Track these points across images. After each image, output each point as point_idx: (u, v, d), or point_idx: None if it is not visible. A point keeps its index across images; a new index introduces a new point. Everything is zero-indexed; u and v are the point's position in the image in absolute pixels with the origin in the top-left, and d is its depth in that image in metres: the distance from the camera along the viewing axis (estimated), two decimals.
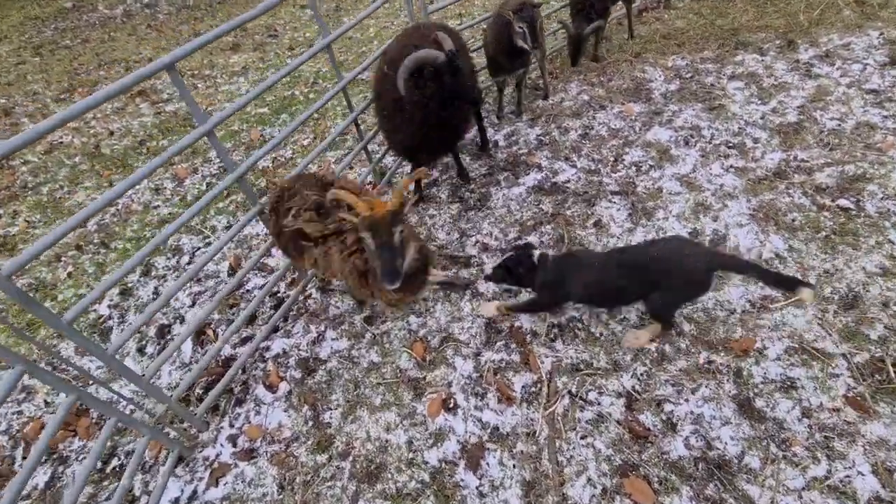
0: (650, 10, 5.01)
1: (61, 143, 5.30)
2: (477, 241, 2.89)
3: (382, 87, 2.62)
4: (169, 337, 2.77)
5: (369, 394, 2.23)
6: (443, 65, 2.36)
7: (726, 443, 1.81)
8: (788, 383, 1.93)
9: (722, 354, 2.07)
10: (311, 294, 2.81)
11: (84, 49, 9.27)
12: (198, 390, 2.43)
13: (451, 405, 2.11)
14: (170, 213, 3.83)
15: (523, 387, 2.12)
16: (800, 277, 2.09)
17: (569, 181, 3.16)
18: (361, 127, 3.14)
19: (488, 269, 2.26)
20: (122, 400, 1.96)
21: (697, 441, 1.84)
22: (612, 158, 3.26)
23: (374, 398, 2.21)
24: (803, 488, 1.66)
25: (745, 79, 3.70)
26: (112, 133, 5.37)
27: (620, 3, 4.41)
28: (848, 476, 1.67)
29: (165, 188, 4.19)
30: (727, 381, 1.99)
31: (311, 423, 2.19)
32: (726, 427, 1.85)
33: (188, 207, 2.62)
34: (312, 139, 4.40)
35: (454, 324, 2.45)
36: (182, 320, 2.85)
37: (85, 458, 2.25)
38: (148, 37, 9.03)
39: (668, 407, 1.95)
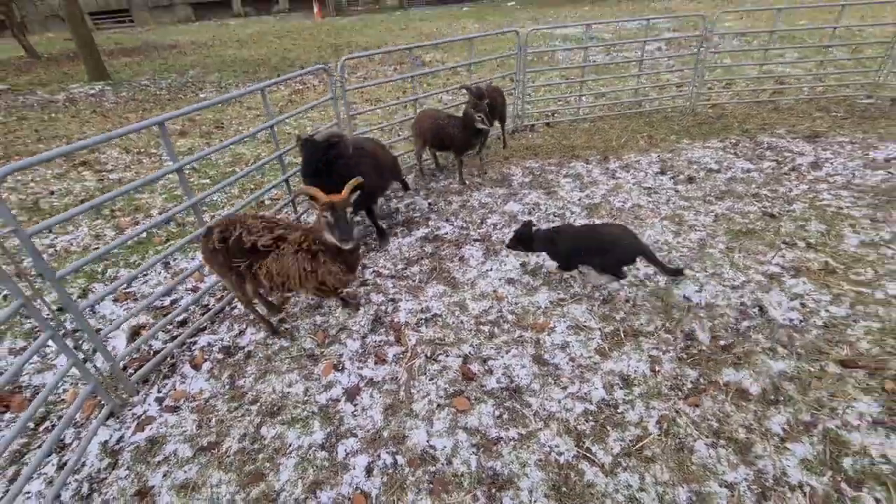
0: (519, 132, 6.84)
1: None
2: (374, 271, 3.84)
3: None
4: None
5: (278, 364, 2.93)
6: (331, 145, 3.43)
7: (521, 378, 2.75)
8: (565, 344, 2.97)
9: (529, 331, 3.10)
10: (235, 304, 3.51)
11: (21, 125, 9.66)
12: (130, 371, 2.95)
13: (341, 367, 2.88)
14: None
15: (394, 355, 2.96)
16: (680, 267, 3.23)
17: (446, 233, 4.32)
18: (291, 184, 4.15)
19: (507, 240, 3.61)
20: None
21: (504, 379, 2.75)
22: (478, 220, 4.51)
23: (282, 367, 2.91)
24: (563, 398, 2.61)
25: (573, 177, 5.31)
26: (52, 193, 5.87)
27: (498, 123, 6.10)
28: (589, 390, 2.65)
29: (105, 235, 4.76)
30: (530, 346, 2.98)
31: (227, 387, 2.81)
32: (523, 370, 2.80)
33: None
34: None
35: (350, 320, 3.28)
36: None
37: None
38: (92, 119, 9.67)
39: (490, 362, 2.88)
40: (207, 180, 5.97)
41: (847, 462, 2.18)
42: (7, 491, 2.14)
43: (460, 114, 4.78)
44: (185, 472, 2.34)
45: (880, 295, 3.17)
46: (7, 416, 2.72)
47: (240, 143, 6.42)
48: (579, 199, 4.78)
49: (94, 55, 13.17)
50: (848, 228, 3.93)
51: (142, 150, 7.32)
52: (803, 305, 3.14)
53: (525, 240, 3.44)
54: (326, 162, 3.41)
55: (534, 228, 3.45)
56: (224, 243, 2.72)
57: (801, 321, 3.02)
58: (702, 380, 2.66)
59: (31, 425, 2.63)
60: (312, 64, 13.47)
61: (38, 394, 2.77)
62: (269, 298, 3.31)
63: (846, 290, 3.25)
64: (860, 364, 2.66)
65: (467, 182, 5.29)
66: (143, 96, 11.30)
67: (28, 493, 2.27)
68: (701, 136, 6.21)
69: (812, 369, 2.67)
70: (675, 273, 3.14)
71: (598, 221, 4.28)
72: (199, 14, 33.96)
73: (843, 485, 2.09)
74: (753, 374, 2.67)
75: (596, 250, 3.20)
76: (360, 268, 3.10)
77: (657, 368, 2.75)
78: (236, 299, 3.30)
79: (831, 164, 5.12)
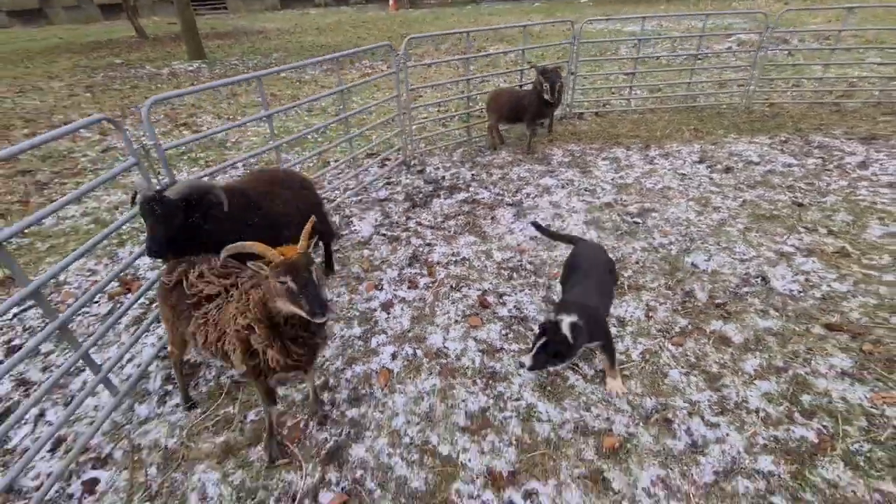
0: (567, 119, 7.16)
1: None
2: (416, 221, 4.42)
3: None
4: None
5: (329, 281, 3.58)
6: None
7: (530, 311, 3.21)
8: None
9: (543, 279, 3.54)
10: None
11: (133, 92, 11.21)
12: None
13: (380, 287, 3.48)
14: None
15: (424, 283, 3.52)
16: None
17: (483, 197, 4.82)
18: None
19: (527, 361, 2.29)
20: None
21: (514, 310, 3.23)
22: (514, 189, 4.97)
23: (332, 282, 3.55)
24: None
25: (611, 160, 5.61)
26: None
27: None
28: None
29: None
30: (541, 289, 3.43)
31: None
32: (532, 305, 3.26)
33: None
34: None
35: (391, 256, 3.88)
36: None
37: None
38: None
39: (504, 297, 3.36)
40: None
41: (806, 398, 2.47)
42: (132, 344, 2.89)
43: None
44: None
45: (889, 277, 3.31)
46: (130, 295, 3.56)
47: (311, 112, 7.24)
48: (612, 179, 5.10)
49: (195, 37, 14.77)
50: (876, 221, 4.00)
51: (230, 116, 8.38)
52: (807, 280, 3.36)
53: (558, 352, 2.28)
54: (187, 227, 2.35)
55: (565, 328, 2.26)
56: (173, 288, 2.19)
57: (800, 292, 3.25)
58: (689, 327, 3.00)
59: (146, 302, 3.45)
60: (383, 50, 14.34)
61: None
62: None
63: (854, 271, 3.41)
64: (845, 328, 2.89)
65: (537, 152, 5.89)
66: (233, 73, 12.62)
67: (144, 343, 3.06)
68: (750, 132, 6.25)
69: (797, 329, 2.93)
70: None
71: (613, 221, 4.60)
72: (285, 3, 36.29)
73: (797, 414, 2.40)
74: (740, 327, 2.97)
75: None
76: (322, 352, 2.42)
77: (651, 315, 3.12)
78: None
79: (881, 164, 5.07)
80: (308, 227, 1.89)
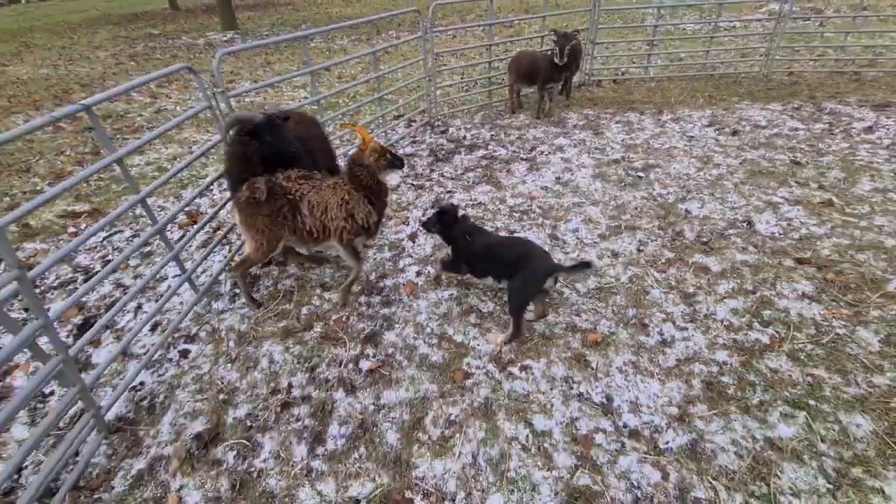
0: (585, 86, 7.44)
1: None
2: (438, 173, 4.91)
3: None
4: None
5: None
6: (259, 125, 2.83)
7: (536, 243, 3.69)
8: (576, 229, 3.85)
9: (550, 220, 4.00)
10: None
11: (173, 59, 11.86)
12: None
13: (406, 223, 4.01)
14: None
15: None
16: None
17: (500, 154, 5.26)
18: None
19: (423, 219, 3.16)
20: None
21: None
22: (529, 147, 5.39)
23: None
24: (562, 258, 3.53)
25: (623, 123, 5.94)
26: None
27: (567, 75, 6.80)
28: (583, 256, 3.54)
29: None
30: (548, 228, 3.90)
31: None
32: (538, 240, 3.73)
33: None
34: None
35: (416, 200, 4.40)
36: None
37: None
38: (227, 59, 11.60)
39: (514, 233, 3.84)
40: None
41: (766, 313, 2.91)
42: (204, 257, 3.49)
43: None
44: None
45: (864, 223, 3.66)
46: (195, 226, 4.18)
47: (341, 79, 7.72)
48: (622, 140, 5.46)
49: (229, 8, 15.29)
50: (867, 178, 4.30)
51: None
52: (788, 224, 3.73)
53: (445, 224, 2.94)
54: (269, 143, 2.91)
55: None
56: (271, 192, 2.79)
57: (780, 234, 3.63)
58: (674, 258, 3.44)
59: (210, 229, 4.08)
60: (409, 19, 14.58)
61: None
62: (299, 250, 3.46)
63: (835, 218, 3.76)
64: (813, 262, 3.29)
65: (553, 115, 6.27)
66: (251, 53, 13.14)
67: (213, 259, 3.68)
68: (764, 99, 6.45)
69: (770, 262, 3.34)
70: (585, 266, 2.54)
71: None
72: None
73: (756, 323, 2.85)
74: (719, 259, 3.40)
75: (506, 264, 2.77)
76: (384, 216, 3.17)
77: (642, 249, 3.57)
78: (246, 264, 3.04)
79: (887, 129, 5.27)
80: (367, 137, 2.84)
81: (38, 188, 5.07)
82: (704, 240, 3.62)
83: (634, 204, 4.15)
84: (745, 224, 3.77)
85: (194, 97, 8.23)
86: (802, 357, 2.59)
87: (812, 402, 2.33)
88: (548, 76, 5.78)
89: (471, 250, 2.89)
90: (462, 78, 8.13)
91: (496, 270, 2.83)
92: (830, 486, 1.97)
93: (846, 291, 3.01)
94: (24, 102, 8.47)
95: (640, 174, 4.64)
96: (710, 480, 2.02)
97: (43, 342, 2.37)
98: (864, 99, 6.21)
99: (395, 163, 2.91)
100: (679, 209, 4.03)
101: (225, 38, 14.32)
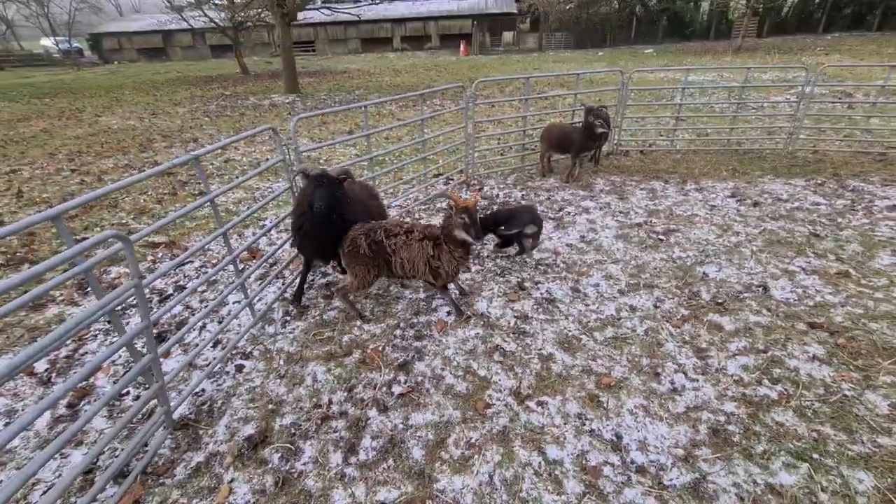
0: (613, 155, 7.95)
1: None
2: None
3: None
4: None
5: None
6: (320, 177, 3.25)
7: (558, 295, 3.99)
8: (597, 284, 4.14)
9: (573, 274, 4.32)
10: None
11: (242, 118, 13.32)
12: None
13: None
14: None
15: (476, 269, 4.41)
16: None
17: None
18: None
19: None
20: None
21: (546, 293, 4.03)
22: (557, 208, 5.82)
23: None
24: (583, 309, 3.81)
25: (648, 190, 6.33)
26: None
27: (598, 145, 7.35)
28: (603, 309, 3.81)
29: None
30: (570, 282, 4.21)
31: None
32: (561, 291, 4.04)
33: None
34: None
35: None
36: None
37: None
38: (288, 117, 12.97)
39: (539, 284, 4.17)
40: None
41: (776, 371, 3.07)
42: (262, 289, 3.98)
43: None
44: None
45: (880, 294, 3.79)
46: (255, 261, 4.73)
47: (388, 139, 8.54)
48: (645, 206, 5.82)
49: (293, 73, 17.17)
50: (887, 252, 4.44)
51: (322, 139, 9.92)
52: (804, 292, 3.91)
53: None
54: (333, 198, 3.28)
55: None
56: (370, 246, 3.36)
57: (795, 300, 3.81)
58: (689, 315, 3.66)
59: (268, 264, 4.60)
60: (452, 90, 15.92)
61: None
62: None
63: (850, 288, 3.91)
64: (825, 327, 3.44)
65: (581, 181, 6.74)
66: (323, 106, 14.60)
67: (268, 291, 4.16)
68: (787, 175, 6.73)
69: (783, 325, 3.51)
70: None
71: (643, 221, 5.31)
72: (366, 47, 40.10)
73: (765, 380, 3.00)
74: (733, 319, 3.59)
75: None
76: (469, 263, 4.05)
77: (658, 306, 3.81)
78: (348, 291, 3.61)
79: None
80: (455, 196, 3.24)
81: (124, 222, 5.84)
82: (720, 301, 3.83)
83: (654, 264, 4.43)
84: (760, 289, 3.97)
85: (258, 151, 9.26)
86: (809, 413, 2.72)
87: (815, 456, 2.45)
88: (582, 146, 6.34)
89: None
90: (499, 142, 8.84)
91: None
92: None
93: (857, 357, 3.14)
94: (114, 148, 9.74)
95: (661, 237, 4.95)
96: None
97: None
98: (889, 178, 6.39)
99: (471, 232, 3.16)
100: (697, 271, 4.28)
101: (287, 101, 15.98)
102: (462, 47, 33.34)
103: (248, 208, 5.45)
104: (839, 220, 5.21)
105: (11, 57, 42.00)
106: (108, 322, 3.74)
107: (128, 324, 3.79)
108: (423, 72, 23.06)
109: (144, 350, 2.55)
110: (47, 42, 44.44)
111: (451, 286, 3.93)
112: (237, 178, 7.25)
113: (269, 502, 2.31)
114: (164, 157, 8.86)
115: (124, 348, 2.60)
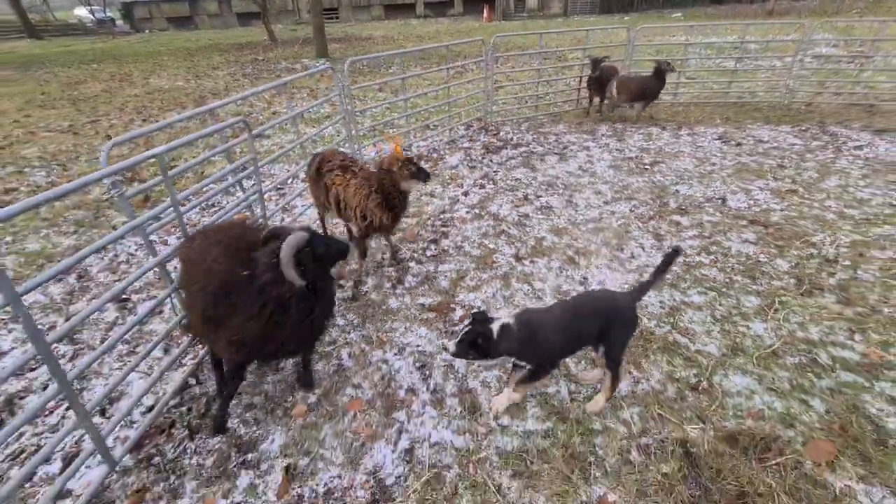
0: (620, 106, 8.76)
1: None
2: (489, 160, 6.39)
3: None
4: None
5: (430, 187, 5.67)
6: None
7: (554, 205, 5.03)
8: (587, 198, 5.16)
9: (569, 191, 5.34)
10: None
11: (279, 78, 14.35)
12: None
13: (461, 186, 5.49)
14: None
15: (490, 188, 5.48)
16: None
17: (538, 150, 6.68)
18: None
19: (451, 346, 2.17)
20: None
21: (545, 203, 5.07)
22: (562, 146, 6.79)
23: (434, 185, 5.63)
24: (573, 213, 4.85)
25: (644, 134, 7.20)
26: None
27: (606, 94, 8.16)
28: (588, 213, 4.84)
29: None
30: (566, 196, 5.24)
31: None
32: (557, 202, 5.08)
33: None
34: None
35: (469, 174, 5.89)
36: None
37: None
38: (322, 79, 13.97)
39: (540, 197, 5.21)
40: (395, 114, 9.16)
41: (713, 248, 4.08)
42: None
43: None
44: None
45: (816, 205, 4.71)
46: None
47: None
48: (640, 145, 6.73)
49: (323, 38, 18.07)
50: (836, 178, 5.30)
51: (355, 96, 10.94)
52: (755, 203, 4.85)
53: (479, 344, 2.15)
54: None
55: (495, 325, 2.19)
56: (318, 172, 3.60)
57: (745, 207, 4.76)
58: (655, 215, 4.66)
59: None
60: (475, 55, 16.59)
61: None
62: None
63: (795, 200, 4.83)
64: (762, 222, 4.40)
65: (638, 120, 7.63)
66: (351, 70, 15.51)
67: None
68: (776, 122, 7.48)
69: (729, 221, 4.49)
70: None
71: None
72: (389, 14, 40.26)
73: (703, 253, 4.02)
74: (691, 219, 4.58)
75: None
76: (399, 222, 3.66)
77: (633, 211, 4.81)
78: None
79: (875, 147, 6.18)
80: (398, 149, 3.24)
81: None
82: (683, 208, 4.81)
83: (636, 185, 5.41)
84: (719, 200, 4.93)
85: (299, 106, 10.36)
86: (727, 269, 3.75)
87: (724, 290, 3.50)
88: (656, 91, 7.36)
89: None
90: (515, 96, 9.72)
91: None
92: (716, 323, 3.15)
93: (779, 240, 4.12)
94: (172, 103, 10.99)
95: (647, 167, 5.89)
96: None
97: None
98: (868, 125, 7.09)
99: (419, 175, 3.17)
100: (671, 189, 5.24)
101: (317, 65, 16.94)
102: (485, 13, 33.32)
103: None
104: (807, 155, 6.04)
105: (49, 27, 43.65)
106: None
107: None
108: (446, 38, 23.55)
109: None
110: (81, 11, 45.87)
111: (384, 241, 4.06)
112: (287, 124, 8.37)
113: (348, 305, 3.51)
114: (222, 110, 10.06)
115: None
